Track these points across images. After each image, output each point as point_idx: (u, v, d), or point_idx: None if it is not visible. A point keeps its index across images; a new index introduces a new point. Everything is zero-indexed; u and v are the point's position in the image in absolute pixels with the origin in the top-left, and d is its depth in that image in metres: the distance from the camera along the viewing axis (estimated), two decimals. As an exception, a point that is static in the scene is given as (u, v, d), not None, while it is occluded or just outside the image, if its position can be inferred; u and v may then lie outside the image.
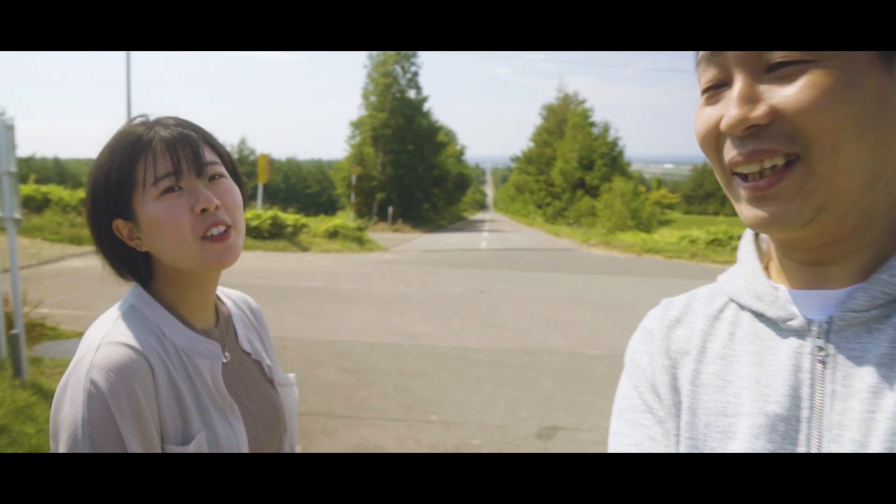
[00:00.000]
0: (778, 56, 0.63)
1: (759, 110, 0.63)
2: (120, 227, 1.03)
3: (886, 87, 0.63)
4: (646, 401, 0.79)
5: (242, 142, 60.00)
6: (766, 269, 0.77)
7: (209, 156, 1.03)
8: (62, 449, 0.91)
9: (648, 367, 0.80)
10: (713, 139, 0.69)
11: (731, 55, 0.65)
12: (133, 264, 1.07)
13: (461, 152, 57.21)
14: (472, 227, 44.40)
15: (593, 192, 40.83)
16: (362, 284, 11.53)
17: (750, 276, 0.76)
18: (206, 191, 1.00)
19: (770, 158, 0.64)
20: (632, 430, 0.78)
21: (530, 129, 53.69)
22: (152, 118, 1.05)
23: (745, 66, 0.65)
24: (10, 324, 4.81)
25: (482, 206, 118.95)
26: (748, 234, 0.81)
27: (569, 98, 50.43)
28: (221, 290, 1.23)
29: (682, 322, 0.81)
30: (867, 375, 0.64)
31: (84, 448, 0.89)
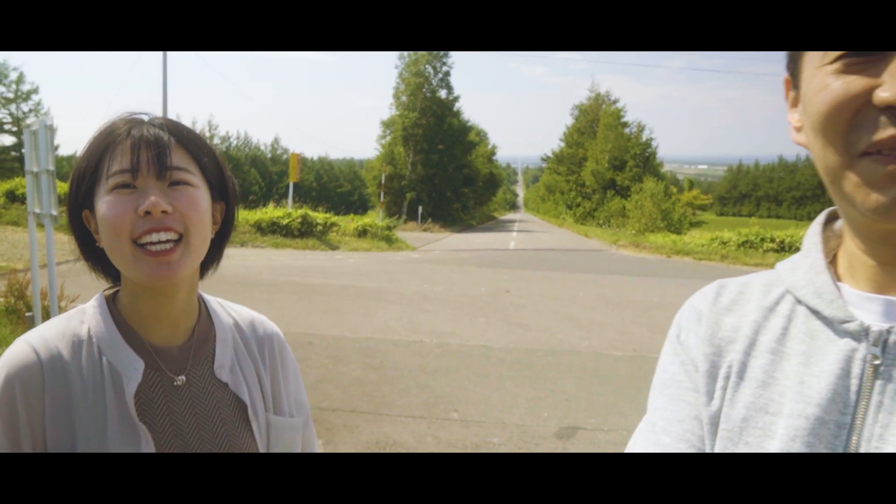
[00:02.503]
0: None
1: None
2: (88, 218, 1.00)
3: None
4: (692, 378, 0.76)
5: (276, 141, 60.61)
6: (833, 263, 0.72)
7: (178, 161, 0.97)
8: None
9: (694, 348, 0.77)
10: (850, 112, 0.59)
11: None
12: (101, 261, 1.03)
13: (492, 152, 57.17)
14: (501, 226, 44.35)
15: (624, 192, 40.45)
16: (389, 283, 11.62)
17: (812, 269, 0.71)
18: (158, 194, 0.94)
19: None
20: (674, 406, 0.76)
21: (562, 129, 53.47)
22: (147, 115, 1.01)
23: None
24: (46, 317, 4.99)
25: (513, 206, 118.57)
26: (817, 224, 0.76)
27: (601, 98, 50.02)
28: (226, 308, 1.14)
29: (732, 310, 0.77)
30: None
31: None
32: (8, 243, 13.85)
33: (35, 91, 35.28)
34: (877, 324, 0.64)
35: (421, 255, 18.62)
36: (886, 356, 0.63)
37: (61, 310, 5.45)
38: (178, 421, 0.99)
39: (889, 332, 0.63)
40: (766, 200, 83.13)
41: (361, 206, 51.51)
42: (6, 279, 6.62)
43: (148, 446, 0.94)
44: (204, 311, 1.10)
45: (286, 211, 19.70)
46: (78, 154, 1.01)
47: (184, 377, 1.02)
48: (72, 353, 0.95)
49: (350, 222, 21.78)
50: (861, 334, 0.65)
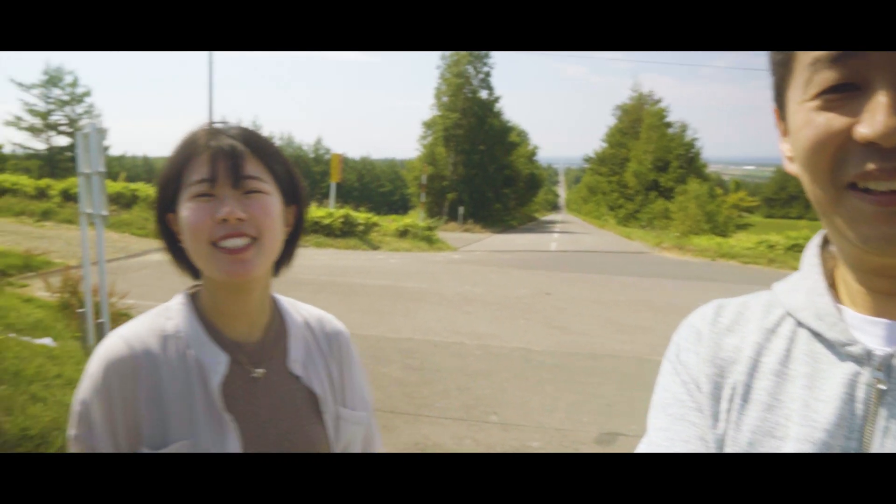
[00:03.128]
0: None
1: None
2: (171, 221, 1.08)
3: None
4: (695, 398, 0.75)
5: (318, 141, 61.43)
6: (832, 285, 0.72)
7: (252, 170, 1.04)
8: (72, 416, 1.02)
9: (695, 368, 0.77)
10: (833, 147, 0.61)
11: (875, 57, 0.58)
12: (184, 259, 1.10)
13: (533, 152, 56.91)
14: (542, 227, 44.10)
15: (667, 194, 39.86)
16: (429, 283, 11.66)
17: (812, 291, 0.71)
18: (234, 202, 1.01)
19: None
20: (679, 426, 0.75)
21: (604, 130, 52.91)
22: (224, 126, 1.08)
23: (892, 71, 0.57)
24: (97, 313, 5.14)
25: (554, 206, 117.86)
26: (814, 244, 0.76)
27: (643, 97, 49.38)
28: (296, 307, 1.21)
29: (733, 330, 0.77)
30: None
31: (73, 421, 1.01)
32: (63, 241, 14.31)
33: (88, 94, 36.44)
34: (880, 348, 0.64)
35: (461, 255, 18.63)
36: (892, 381, 0.62)
37: (111, 306, 5.60)
38: (258, 411, 1.07)
39: (893, 356, 0.63)
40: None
41: (402, 207, 51.81)
42: (61, 275, 6.83)
43: (233, 435, 1.02)
44: (276, 309, 1.17)
45: (328, 211, 19.91)
46: (166, 156, 1.09)
47: (262, 370, 1.09)
48: (161, 347, 1.03)
49: (391, 222, 21.92)
50: (864, 358, 0.64)
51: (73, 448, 1.01)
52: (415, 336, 7.48)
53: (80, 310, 5.39)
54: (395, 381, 5.77)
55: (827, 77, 0.60)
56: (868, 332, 0.66)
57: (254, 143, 1.07)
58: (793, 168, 0.69)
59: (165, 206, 1.08)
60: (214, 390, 1.02)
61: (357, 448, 1.20)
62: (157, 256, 12.95)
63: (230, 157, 1.02)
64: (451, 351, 6.95)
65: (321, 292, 9.71)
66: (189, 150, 1.05)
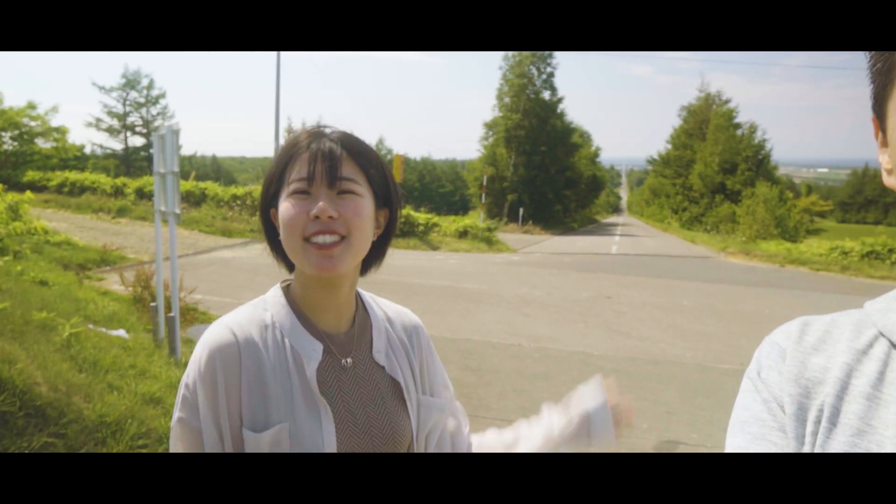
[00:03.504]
0: None
1: None
2: (273, 215, 1.15)
3: None
4: (777, 418, 0.73)
5: (380, 141, 62.21)
6: None
7: (347, 172, 1.10)
8: (177, 400, 1.10)
9: (777, 387, 0.74)
10: None
11: None
12: (282, 252, 1.17)
13: (595, 154, 56.12)
14: (603, 230, 43.49)
15: (734, 197, 38.68)
16: (488, 285, 11.66)
17: None
18: (327, 201, 1.07)
19: None
20: (758, 446, 0.72)
21: (668, 131, 51.71)
22: (326, 129, 1.14)
23: None
24: (168, 307, 5.35)
25: (616, 209, 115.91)
26: None
27: (711, 98, 48.01)
28: (377, 301, 1.28)
29: (819, 350, 0.73)
30: None
31: (178, 404, 1.09)
32: (136, 237, 14.93)
33: (163, 96, 37.90)
34: None
35: (521, 257, 18.55)
36: None
37: (181, 301, 5.82)
38: (348, 398, 1.14)
39: None
40: (895, 207, 77.21)
41: (463, 207, 51.89)
42: (135, 270, 7.13)
43: (328, 418, 1.09)
44: (360, 303, 1.24)
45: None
46: (270, 158, 1.21)
47: (350, 359, 1.16)
48: (261, 336, 1.11)
49: (451, 223, 22.02)
50: None
51: (176, 430, 1.09)
52: (473, 337, 7.50)
53: (153, 303, 5.62)
54: (453, 382, 5.73)
55: None
56: None
57: (352, 146, 1.13)
58: (891, 181, 0.66)
59: (268, 202, 1.16)
60: (311, 376, 1.09)
61: (439, 433, 1.26)
62: (224, 253, 13.36)
63: (328, 158, 1.09)
64: (508, 353, 6.94)
65: (381, 291, 9.70)
66: (292, 151, 1.12)
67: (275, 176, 1.14)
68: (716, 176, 42.71)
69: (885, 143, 0.66)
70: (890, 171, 0.66)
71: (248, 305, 1.16)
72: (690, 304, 10.61)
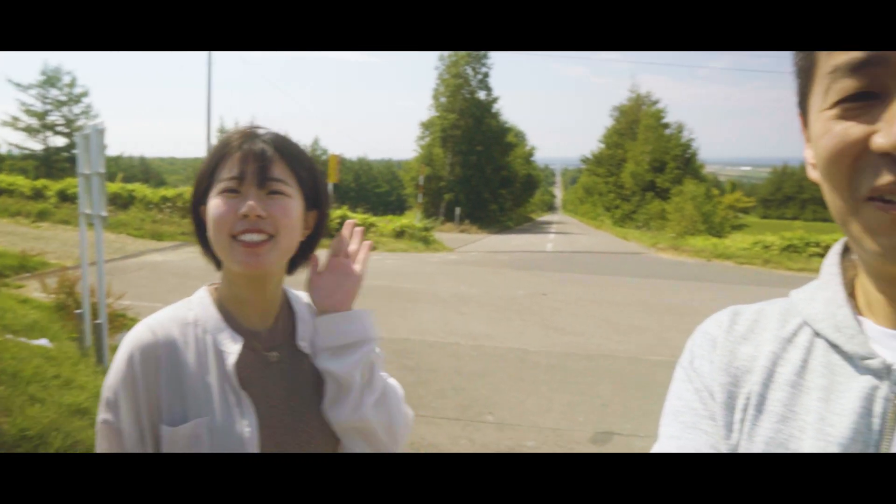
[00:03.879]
0: None
1: None
2: (203, 212, 1.16)
3: None
4: (708, 406, 0.75)
5: (315, 142, 61.39)
6: (852, 295, 0.71)
7: (278, 173, 1.13)
8: (101, 402, 1.12)
9: (708, 376, 0.76)
10: (850, 157, 0.60)
11: (894, 65, 0.57)
12: (211, 249, 1.18)
13: (530, 153, 56.92)
14: (539, 228, 44.13)
15: (664, 195, 39.84)
16: (426, 284, 11.69)
17: (831, 302, 0.70)
18: (256, 201, 1.10)
19: None
20: (690, 434, 0.74)
21: (601, 131, 52.88)
22: (259, 130, 1.17)
23: None
24: (94, 314, 5.15)
25: (550, 207, 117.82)
26: (834, 252, 0.75)
27: (641, 98, 49.35)
28: (302, 296, 1.28)
29: (748, 339, 0.75)
30: None
31: (101, 406, 1.11)
32: (59, 241, 14.30)
33: (86, 94, 36.35)
34: None
35: (458, 256, 18.66)
36: None
37: (109, 307, 5.61)
38: (272, 393, 1.15)
39: None
40: (811, 203, 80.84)
41: (399, 207, 51.74)
42: (57, 276, 6.84)
43: (249, 412, 1.10)
44: (286, 298, 1.26)
45: (325, 211, 19.90)
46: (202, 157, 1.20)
47: (276, 353, 1.19)
48: (181, 334, 1.13)
49: (388, 223, 21.94)
50: (883, 372, 0.63)
51: (101, 432, 1.10)
52: (411, 336, 7.50)
53: (78, 311, 5.41)
54: (392, 382, 5.78)
55: (846, 85, 0.59)
56: (887, 345, 0.65)
57: (283, 148, 1.16)
58: (815, 175, 0.68)
59: (199, 199, 1.17)
60: (230, 370, 1.11)
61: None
62: (154, 257, 12.95)
63: (259, 159, 1.11)
64: (446, 351, 6.97)
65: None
66: (224, 150, 1.14)
67: (206, 174, 1.15)
68: (646, 174, 43.91)
69: (808, 139, 0.69)
70: (814, 166, 0.68)
71: (172, 306, 1.18)
72: (623, 299, 10.89)
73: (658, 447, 0.78)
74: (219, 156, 1.15)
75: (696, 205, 31.97)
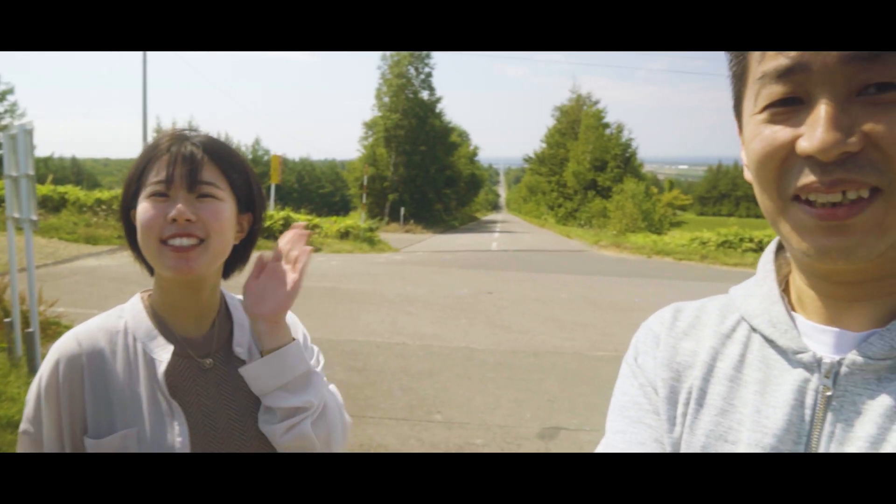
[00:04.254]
0: (875, 78, 0.58)
1: (855, 137, 0.58)
2: (134, 216, 1.13)
3: None
4: (652, 401, 0.77)
5: (257, 142, 60.30)
6: (786, 291, 0.74)
7: (208, 176, 1.10)
8: (24, 412, 1.10)
9: (652, 372, 0.78)
10: (778, 160, 0.63)
11: (817, 72, 0.60)
12: (142, 254, 1.15)
13: (474, 153, 57.34)
14: (483, 227, 44.46)
15: (605, 193, 40.70)
16: (371, 285, 11.62)
17: (766, 298, 0.73)
18: (186, 205, 1.07)
19: (855, 189, 0.59)
20: (635, 429, 0.76)
21: (543, 130, 53.60)
22: (189, 132, 1.14)
23: (832, 86, 0.59)
24: (26, 322, 4.94)
25: (495, 206, 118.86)
26: (769, 250, 0.77)
27: (582, 99, 50.29)
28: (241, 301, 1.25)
29: (689, 335, 0.78)
30: (868, 425, 0.62)
31: (24, 416, 1.09)
32: (-16, 247, 13.65)
33: (10, 91, 34.77)
34: (829, 355, 0.66)
35: (403, 256, 18.62)
36: (837, 388, 0.64)
37: (41, 315, 5.40)
38: (206, 401, 1.13)
39: (840, 363, 0.65)
40: (745, 200, 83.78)
41: (343, 208, 51.34)
42: (-17, 284, 6.53)
43: (180, 420, 1.08)
44: (224, 304, 1.24)
45: (267, 213, 19.61)
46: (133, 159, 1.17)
47: (211, 360, 1.16)
48: (110, 343, 1.10)
49: (332, 224, 21.74)
50: (814, 365, 0.66)
51: (21, 442, 1.08)
52: (357, 338, 7.45)
53: (7, 319, 5.18)
54: (338, 384, 5.66)
55: (773, 91, 0.62)
56: (818, 339, 0.67)
57: (214, 150, 1.13)
58: (749, 176, 0.71)
59: (128, 203, 1.15)
60: (160, 379, 1.08)
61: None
62: (88, 262, 12.49)
63: (188, 162, 1.09)
64: (393, 352, 6.95)
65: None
66: (152, 153, 1.12)
67: (134, 177, 1.13)
68: (588, 173, 44.75)
69: (744, 141, 0.71)
70: (748, 167, 0.71)
71: (103, 314, 1.15)
72: (567, 296, 11.05)
73: (605, 441, 0.79)
74: (147, 158, 1.12)
75: (636, 203, 32.75)
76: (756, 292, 0.74)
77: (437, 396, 5.55)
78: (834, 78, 0.59)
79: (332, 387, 1.29)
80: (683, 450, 0.72)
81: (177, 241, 1.07)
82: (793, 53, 0.61)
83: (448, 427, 4.87)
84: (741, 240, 19.97)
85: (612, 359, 6.90)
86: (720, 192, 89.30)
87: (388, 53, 40.57)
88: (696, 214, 75.00)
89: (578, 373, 6.40)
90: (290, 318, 1.28)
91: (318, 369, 1.26)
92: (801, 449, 0.65)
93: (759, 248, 19.12)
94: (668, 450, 0.74)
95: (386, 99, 41.72)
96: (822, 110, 0.59)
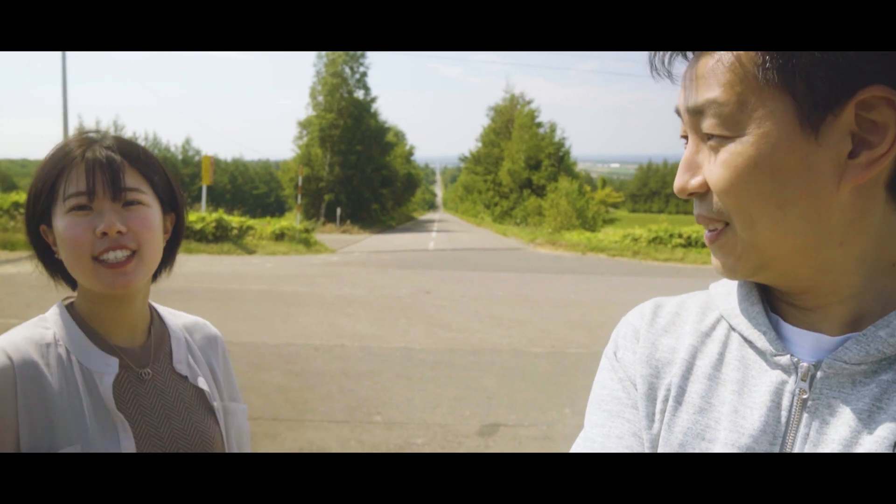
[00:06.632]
0: (706, 127, 0.64)
1: (696, 181, 0.66)
2: (45, 232, 1.07)
3: (812, 156, 0.60)
4: (631, 396, 0.77)
5: (187, 142, 58.76)
6: (766, 292, 0.74)
7: (131, 182, 1.04)
8: None
9: (631, 367, 0.78)
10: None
11: (684, 117, 0.67)
12: (60, 269, 1.11)
13: (410, 152, 57.42)
14: (420, 227, 44.50)
15: (540, 191, 41.31)
16: (308, 287, 11.47)
17: (745, 299, 0.73)
18: (114, 215, 1.02)
19: (711, 223, 0.67)
20: (613, 423, 0.76)
21: (478, 130, 54.09)
22: (98, 135, 1.07)
23: (692, 130, 0.67)
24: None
25: (432, 206, 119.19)
26: None
27: (516, 99, 50.92)
28: (172, 312, 1.24)
29: (669, 331, 0.78)
30: (842, 428, 0.63)
31: None
32: None
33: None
34: (806, 358, 0.67)
35: (340, 257, 18.46)
36: (813, 391, 0.65)
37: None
38: (149, 411, 1.08)
39: (816, 367, 0.65)
40: (675, 197, 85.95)
41: (278, 209, 50.49)
42: None
43: (126, 434, 1.03)
44: (155, 314, 1.20)
45: (199, 215, 19.08)
46: (37, 167, 1.08)
47: (149, 370, 1.11)
48: (42, 356, 1.02)
49: (266, 225, 21.34)
50: (791, 368, 0.67)
51: None
52: (295, 341, 7.35)
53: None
54: (277, 388, 5.64)
55: (681, 125, 0.70)
56: (796, 342, 0.68)
57: (130, 153, 1.07)
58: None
59: (38, 218, 1.07)
60: (106, 392, 1.03)
61: (245, 440, 1.25)
62: (6, 268, 11.90)
63: (108, 169, 1.02)
64: (332, 354, 6.88)
65: (194, 300, 9.29)
66: (63, 161, 1.03)
67: (45, 189, 1.04)
68: (522, 172, 45.33)
69: None
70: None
71: (24, 325, 1.07)
72: (504, 294, 11.17)
73: (583, 434, 0.79)
74: (58, 168, 1.03)
75: (570, 201, 33.37)
76: (736, 291, 0.75)
77: (377, 397, 5.52)
78: (691, 122, 0.66)
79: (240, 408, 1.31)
80: (661, 447, 0.73)
81: (111, 256, 1.01)
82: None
83: (388, 427, 4.85)
84: (671, 236, 20.60)
85: (549, 354, 7.02)
86: (651, 190, 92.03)
87: (322, 53, 40.15)
88: (628, 212, 77.00)
89: (516, 369, 6.48)
90: (212, 332, 1.28)
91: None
92: (776, 450, 0.66)
93: (688, 244, 19.81)
94: (646, 444, 0.74)
95: (321, 98, 41.30)
96: (685, 153, 0.67)
